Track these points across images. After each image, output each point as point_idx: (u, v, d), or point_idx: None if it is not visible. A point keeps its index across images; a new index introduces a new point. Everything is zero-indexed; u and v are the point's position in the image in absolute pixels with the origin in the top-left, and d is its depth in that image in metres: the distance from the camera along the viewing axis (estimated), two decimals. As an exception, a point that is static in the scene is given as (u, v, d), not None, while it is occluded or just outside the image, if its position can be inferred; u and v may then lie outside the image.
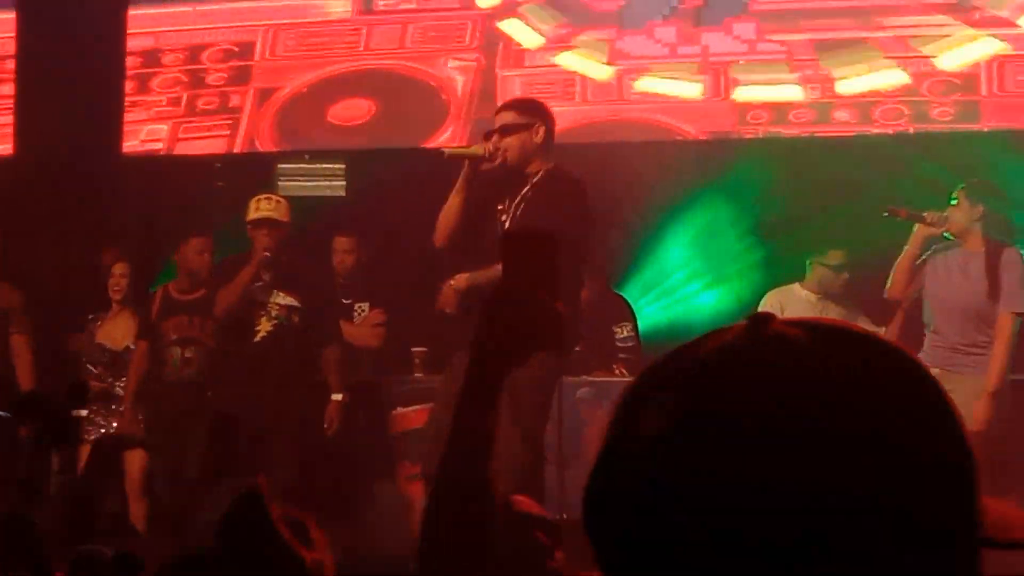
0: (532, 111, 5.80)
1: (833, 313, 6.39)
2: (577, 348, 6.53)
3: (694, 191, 7.67)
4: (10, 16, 8.54)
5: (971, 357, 6.18)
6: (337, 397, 6.81)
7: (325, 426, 6.85)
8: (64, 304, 7.80)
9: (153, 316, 7.11)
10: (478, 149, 5.74)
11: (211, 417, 6.83)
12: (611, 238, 7.48)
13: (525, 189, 5.58)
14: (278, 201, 6.90)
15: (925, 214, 6.14)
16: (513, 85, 7.69)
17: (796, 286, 6.71)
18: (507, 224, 5.57)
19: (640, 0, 7.50)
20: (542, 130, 5.60)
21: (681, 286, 7.90)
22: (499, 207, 5.63)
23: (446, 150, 6.15)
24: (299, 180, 8.20)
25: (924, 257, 6.22)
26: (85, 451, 7.20)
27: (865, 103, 7.29)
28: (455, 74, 7.84)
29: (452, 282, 5.66)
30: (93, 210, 7.99)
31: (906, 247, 6.27)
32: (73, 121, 8.10)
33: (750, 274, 7.65)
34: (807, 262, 6.67)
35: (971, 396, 5.92)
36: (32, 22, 8.47)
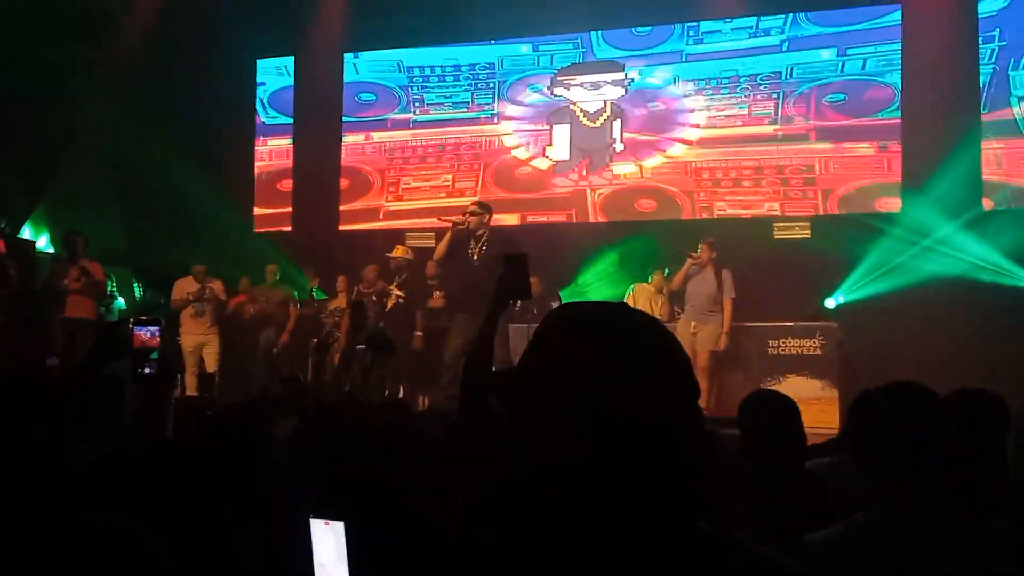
0: (486, 207, 8.39)
1: (660, 297, 11.08)
2: (534, 311, 10.34)
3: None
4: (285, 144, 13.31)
5: (710, 315, 10.56)
6: (418, 334, 11.06)
7: (414, 344, 10.92)
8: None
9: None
10: (458, 221, 8.13)
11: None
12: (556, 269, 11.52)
13: (482, 240, 8.15)
14: (408, 248, 11.97)
15: (693, 254, 10.73)
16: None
17: (646, 284, 11.26)
18: (475, 256, 7.99)
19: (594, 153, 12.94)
20: (489, 216, 8.33)
21: (594, 286, 12.26)
22: (468, 248, 8.17)
23: (451, 222, 8.35)
24: (415, 240, 12.59)
25: (688, 272, 10.71)
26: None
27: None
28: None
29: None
30: (326, 255, 13.17)
31: (683, 266, 10.78)
32: (313, 212, 13.38)
33: (628, 278, 11.74)
34: (649, 274, 11.39)
35: (715, 333, 10.45)
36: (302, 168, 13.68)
